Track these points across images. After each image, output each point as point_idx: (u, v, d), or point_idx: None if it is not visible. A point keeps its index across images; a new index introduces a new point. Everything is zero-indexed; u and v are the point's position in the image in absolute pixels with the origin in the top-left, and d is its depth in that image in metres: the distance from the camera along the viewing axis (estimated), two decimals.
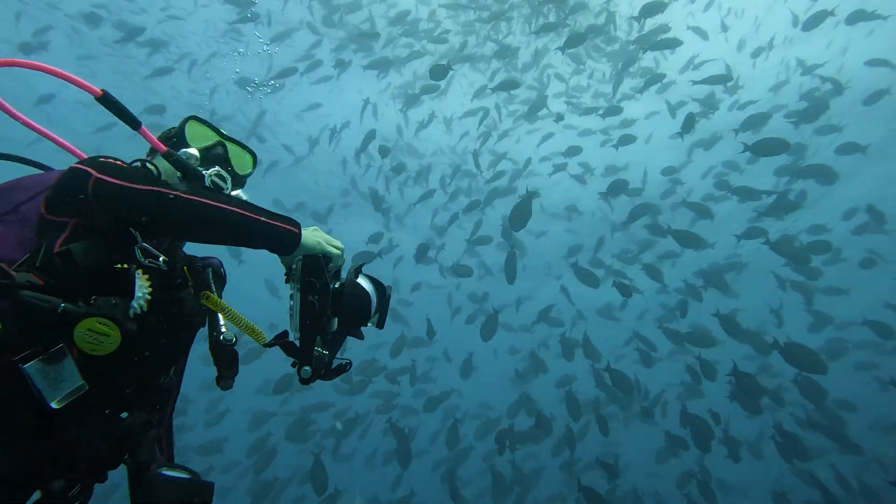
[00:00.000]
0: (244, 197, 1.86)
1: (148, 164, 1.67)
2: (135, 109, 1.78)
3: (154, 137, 1.77)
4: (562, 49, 9.95)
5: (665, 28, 11.19)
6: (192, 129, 1.90)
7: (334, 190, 20.18)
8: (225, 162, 1.90)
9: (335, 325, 1.65)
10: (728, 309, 9.67)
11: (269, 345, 1.63)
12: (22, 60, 1.55)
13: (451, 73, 9.22)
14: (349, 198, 20.20)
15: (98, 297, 1.35)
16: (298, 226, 1.58)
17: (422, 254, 10.83)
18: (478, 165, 12.59)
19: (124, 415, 1.58)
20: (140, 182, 1.38)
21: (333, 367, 1.63)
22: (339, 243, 1.70)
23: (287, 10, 13.60)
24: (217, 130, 1.96)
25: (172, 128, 1.97)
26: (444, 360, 17.91)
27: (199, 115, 1.95)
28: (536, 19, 13.15)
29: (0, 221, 1.49)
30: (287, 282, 1.64)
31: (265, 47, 14.71)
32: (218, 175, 1.80)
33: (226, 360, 1.77)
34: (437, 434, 14.80)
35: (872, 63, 11.52)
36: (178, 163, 1.71)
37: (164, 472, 1.65)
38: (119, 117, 1.66)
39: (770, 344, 7.90)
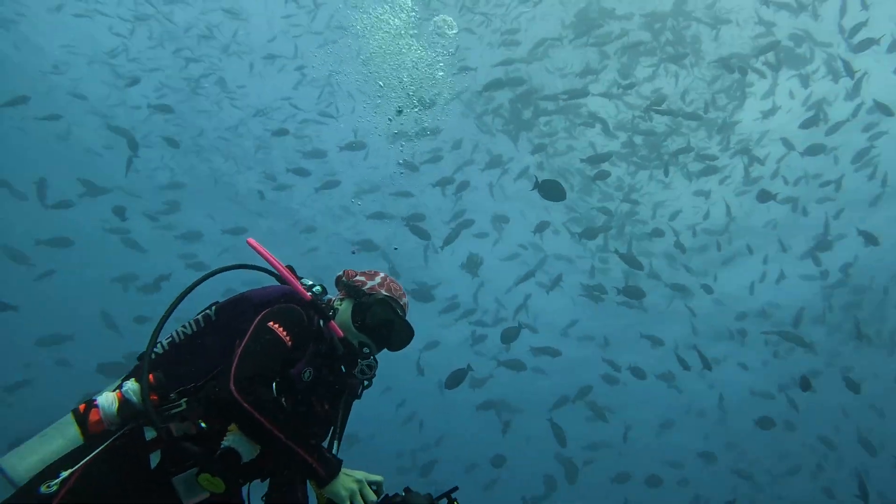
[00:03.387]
0: None
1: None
2: None
3: (338, 328, 2.33)
4: None
5: None
6: (376, 309, 2.41)
7: None
8: (386, 342, 2.45)
9: None
10: None
11: None
12: (264, 252, 2.27)
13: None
14: None
15: (221, 453, 1.91)
16: (333, 472, 1.99)
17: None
18: None
19: None
20: (255, 407, 1.90)
21: None
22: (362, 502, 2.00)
23: None
24: (396, 312, 2.44)
25: (361, 291, 2.46)
26: None
27: (392, 299, 2.45)
28: None
29: (219, 334, 2.19)
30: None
31: None
32: (368, 366, 2.36)
33: None
34: None
35: None
36: (345, 344, 2.33)
37: None
38: (318, 314, 2.30)
39: None
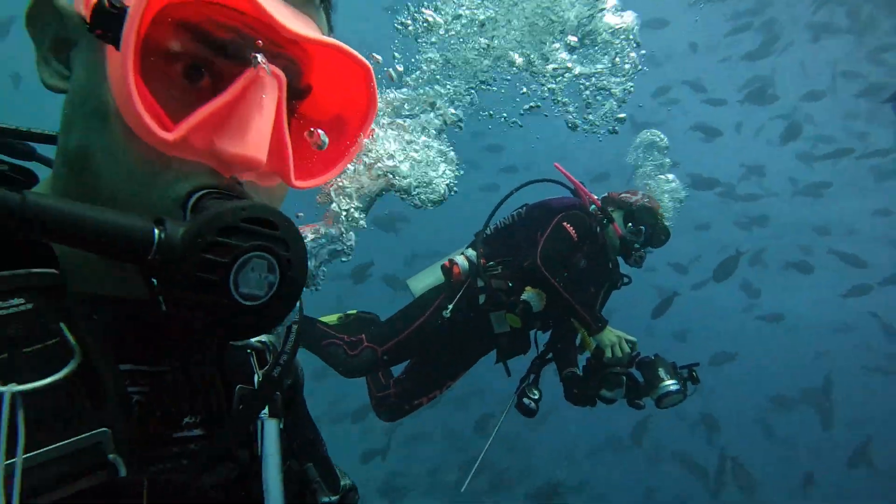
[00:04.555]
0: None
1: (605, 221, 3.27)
2: None
3: (619, 229, 3.22)
4: None
5: None
6: (643, 215, 3.24)
7: None
8: (650, 240, 3.26)
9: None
10: None
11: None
12: (567, 173, 3.31)
13: None
14: None
15: (518, 300, 3.02)
16: (602, 325, 2.90)
17: None
18: None
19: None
20: (549, 271, 2.89)
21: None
22: (618, 352, 2.87)
23: None
24: (657, 217, 3.27)
25: (629, 203, 3.29)
26: None
27: (653, 209, 3.27)
28: None
29: (525, 226, 3.23)
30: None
31: None
32: (640, 256, 3.27)
33: None
34: None
35: None
36: (624, 241, 3.23)
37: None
38: (598, 221, 3.22)
39: None
